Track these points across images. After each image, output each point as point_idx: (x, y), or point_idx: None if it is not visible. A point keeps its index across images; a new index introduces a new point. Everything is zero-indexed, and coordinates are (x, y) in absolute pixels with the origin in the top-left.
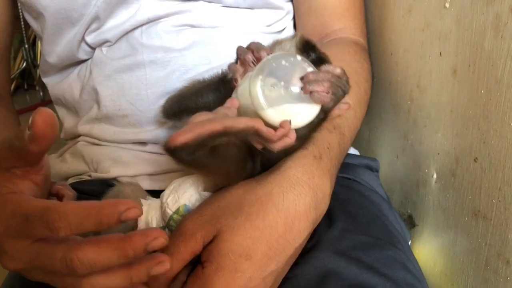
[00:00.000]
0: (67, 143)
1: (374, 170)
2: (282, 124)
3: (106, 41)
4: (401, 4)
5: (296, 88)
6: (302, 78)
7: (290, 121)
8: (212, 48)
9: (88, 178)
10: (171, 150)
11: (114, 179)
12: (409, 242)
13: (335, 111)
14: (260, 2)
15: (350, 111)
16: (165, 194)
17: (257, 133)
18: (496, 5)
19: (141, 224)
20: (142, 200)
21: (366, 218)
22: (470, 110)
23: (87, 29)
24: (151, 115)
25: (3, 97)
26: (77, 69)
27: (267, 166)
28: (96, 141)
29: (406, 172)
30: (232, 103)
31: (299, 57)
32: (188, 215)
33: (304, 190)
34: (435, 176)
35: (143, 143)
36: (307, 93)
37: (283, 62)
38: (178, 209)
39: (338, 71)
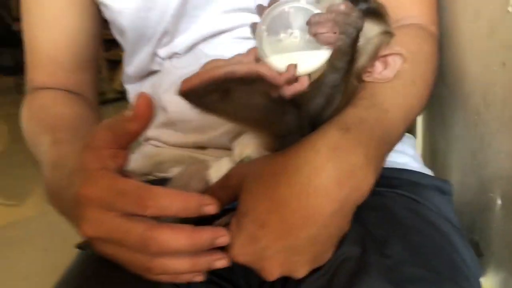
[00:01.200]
0: (141, 143)
1: (446, 193)
2: (287, 68)
3: (175, 54)
4: (467, 9)
5: (299, 33)
6: (308, 21)
7: (295, 65)
8: None
9: (153, 178)
10: (182, 94)
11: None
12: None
13: (387, 71)
14: None
15: (397, 86)
16: (234, 149)
17: (260, 78)
18: None
19: (214, 179)
20: (213, 160)
21: (429, 248)
22: None
23: (159, 43)
24: (211, 121)
25: (93, 107)
26: (151, 79)
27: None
28: (162, 145)
29: (474, 195)
30: (251, 51)
31: (303, 1)
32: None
33: (321, 163)
34: (499, 202)
35: (203, 147)
36: (313, 36)
37: (286, 9)
38: (242, 160)
39: (342, 8)
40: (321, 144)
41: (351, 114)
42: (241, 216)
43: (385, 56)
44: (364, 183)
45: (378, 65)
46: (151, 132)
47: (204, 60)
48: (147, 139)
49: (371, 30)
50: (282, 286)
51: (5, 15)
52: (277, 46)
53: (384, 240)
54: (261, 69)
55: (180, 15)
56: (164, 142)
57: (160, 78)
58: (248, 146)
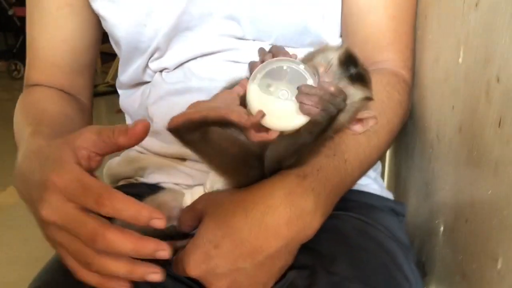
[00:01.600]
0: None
1: (399, 214)
2: (256, 114)
3: (165, 68)
4: (429, 55)
5: (287, 94)
6: (298, 88)
7: (263, 113)
8: None
9: (135, 181)
10: (169, 130)
11: (156, 184)
12: None
13: (358, 127)
14: (308, 40)
15: (361, 138)
16: (206, 183)
17: (228, 122)
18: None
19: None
20: (185, 190)
21: (372, 266)
22: (464, 169)
23: (150, 57)
24: None
25: (85, 109)
26: (141, 88)
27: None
28: (145, 151)
29: (425, 220)
30: (238, 89)
31: (302, 66)
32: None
33: (275, 204)
34: (441, 228)
35: (183, 158)
36: (298, 102)
37: (285, 67)
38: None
39: (331, 89)
40: (278, 187)
41: (311, 162)
42: (199, 236)
43: (362, 118)
44: (310, 226)
45: (353, 123)
46: None
47: (191, 78)
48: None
49: (355, 94)
50: None
51: (1, 0)
52: (262, 96)
53: (332, 259)
54: (231, 116)
55: (172, 35)
56: (147, 149)
57: (149, 89)
58: (218, 181)
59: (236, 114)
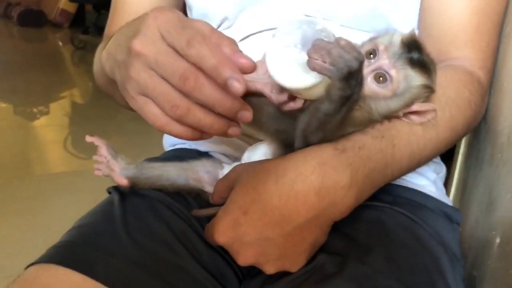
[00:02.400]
0: None
1: (454, 221)
2: (282, 93)
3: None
4: None
5: (298, 51)
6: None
7: (290, 93)
8: None
9: (188, 147)
10: None
11: (207, 152)
12: None
13: (415, 118)
14: (379, 26)
15: (416, 127)
16: (244, 154)
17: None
18: None
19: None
20: (224, 164)
21: (411, 266)
22: None
23: (218, 27)
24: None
25: None
26: None
27: None
28: None
29: (482, 231)
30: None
31: (320, 26)
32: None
33: (307, 172)
34: (497, 240)
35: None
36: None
37: (304, 27)
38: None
39: (342, 42)
40: (312, 156)
41: (355, 138)
42: (230, 202)
43: (421, 111)
44: (342, 202)
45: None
46: None
47: (256, 51)
48: None
49: (414, 79)
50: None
51: None
52: (279, 56)
53: (368, 249)
54: (263, 88)
55: (242, 6)
56: None
57: None
58: (255, 153)
59: (267, 88)
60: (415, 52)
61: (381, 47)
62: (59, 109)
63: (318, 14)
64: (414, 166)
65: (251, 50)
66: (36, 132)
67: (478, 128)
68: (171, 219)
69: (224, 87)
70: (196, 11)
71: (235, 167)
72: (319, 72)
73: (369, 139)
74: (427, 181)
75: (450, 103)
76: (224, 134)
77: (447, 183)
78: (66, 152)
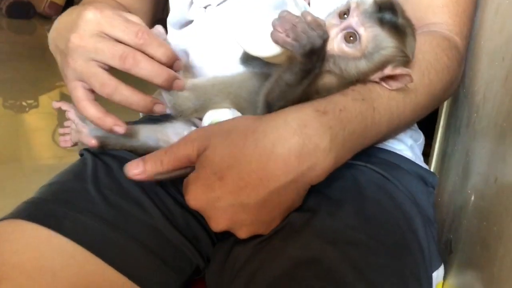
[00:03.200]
0: None
1: (428, 184)
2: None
3: (209, 5)
4: (491, 6)
5: (265, 18)
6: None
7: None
8: None
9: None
10: None
11: None
12: (436, 274)
13: (392, 83)
14: None
15: (396, 91)
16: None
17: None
18: None
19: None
20: (195, 127)
21: (383, 222)
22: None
23: None
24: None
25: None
26: (186, 28)
27: None
28: None
29: (457, 193)
30: None
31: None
32: (196, 128)
33: (288, 134)
34: (472, 198)
35: None
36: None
37: None
38: (211, 122)
39: (308, 18)
40: (293, 118)
41: (335, 100)
42: (202, 167)
43: (395, 75)
44: (322, 164)
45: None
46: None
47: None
48: None
49: (385, 41)
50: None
51: None
52: (248, 20)
53: (339, 204)
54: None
55: None
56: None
57: (191, 26)
58: (217, 112)
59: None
60: (387, 12)
61: (352, 6)
62: (49, 100)
63: None
64: (393, 130)
65: (224, 16)
66: (25, 123)
67: (457, 96)
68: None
69: (170, 66)
70: None
71: (196, 131)
72: (281, 46)
73: (350, 101)
74: (404, 146)
75: (430, 68)
76: (150, 111)
77: (428, 156)
78: (53, 141)
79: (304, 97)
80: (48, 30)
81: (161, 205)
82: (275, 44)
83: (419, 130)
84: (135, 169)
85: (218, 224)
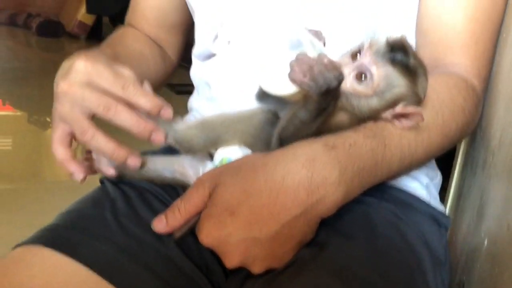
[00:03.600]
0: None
1: (441, 226)
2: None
3: (229, 41)
4: (508, 57)
5: (283, 59)
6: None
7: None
8: None
9: None
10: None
11: None
12: None
13: (403, 122)
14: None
15: (407, 132)
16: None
17: None
18: None
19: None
20: (208, 162)
21: (393, 261)
22: None
23: (219, 28)
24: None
25: (166, 60)
26: (210, 60)
27: None
28: (200, 117)
29: (472, 235)
30: None
31: (307, 38)
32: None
33: (296, 168)
34: (486, 243)
35: None
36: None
37: (290, 34)
38: (221, 160)
39: (325, 60)
40: (301, 152)
41: (345, 136)
42: (213, 205)
43: (406, 113)
44: (330, 198)
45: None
46: (196, 103)
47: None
48: (191, 109)
49: (396, 80)
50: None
51: None
52: (267, 60)
53: (349, 240)
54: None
55: (245, 6)
56: (201, 115)
57: (213, 58)
58: (227, 150)
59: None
60: (399, 53)
61: (365, 46)
62: None
63: (318, 27)
64: (404, 168)
65: (246, 50)
66: (48, 140)
67: (474, 136)
68: (161, 210)
69: (155, 116)
70: (198, 13)
71: (206, 173)
72: (299, 86)
73: (360, 137)
74: (419, 184)
75: (444, 108)
76: (124, 160)
77: (444, 195)
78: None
79: (317, 135)
80: (76, 49)
81: None
82: (292, 83)
83: (437, 168)
84: (160, 224)
85: (231, 260)
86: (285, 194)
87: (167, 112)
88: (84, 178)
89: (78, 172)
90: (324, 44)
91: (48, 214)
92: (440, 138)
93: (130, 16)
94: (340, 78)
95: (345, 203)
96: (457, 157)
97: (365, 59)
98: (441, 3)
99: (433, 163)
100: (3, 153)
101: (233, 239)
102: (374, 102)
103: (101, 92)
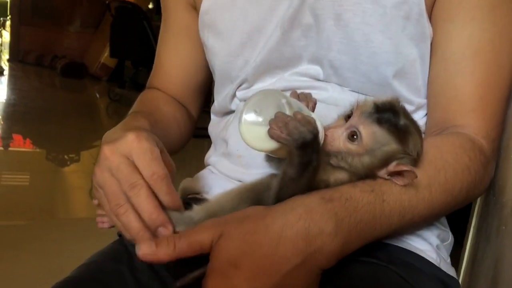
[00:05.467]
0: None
1: None
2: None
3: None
4: None
5: (261, 119)
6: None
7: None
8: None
9: (199, 197)
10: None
11: None
12: None
13: (399, 180)
14: (389, 91)
15: (406, 188)
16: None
17: None
18: None
19: None
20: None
21: None
22: None
23: (239, 87)
24: (258, 161)
25: (191, 119)
26: (227, 117)
27: None
28: (216, 171)
29: None
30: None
31: (283, 100)
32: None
33: (294, 219)
34: None
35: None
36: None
37: (271, 99)
38: None
39: (298, 117)
40: (298, 204)
41: (343, 190)
42: (216, 258)
43: (399, 171)
44: (328, 248)
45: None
46: (212, 158)
47: None
48: (207, 164)
49: (383, 138)
50: None
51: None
52: (248, 121)
53: None
54: None
55: (261, 70)
56: (218, 170)
57: (232, 115)
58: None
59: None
60: (388, 113)
61: (355, 107)
62: (89, 157)
63: (330, 79)
64: (406, 224)
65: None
66: (65, 178)
67: (488, 201)
68: (177, 265)
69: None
70: (219, 72)
71: (211, 220)
72: (277, 140)
73: (357, 191)
74: (429, 246)
75: (447, 167)
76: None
77: (459, 257)
78: (90, 199)
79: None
80: (97, 91)
81: None
82: (271, 139)
83: (448, 230)
84: (147, 250)
85: None
86: (284, 244)
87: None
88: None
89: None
90: (315, 105)
91: (57, 249)
92: (443, 196)
93: (154, 78)
94: (314, 132)
95: (345, 254)
96: (471, 221)
97: (353, 119)
98: (450, 67)
99: (445, 224)
100: (21, 189)
101: None
102: (367, 160)
103: (135, 170)
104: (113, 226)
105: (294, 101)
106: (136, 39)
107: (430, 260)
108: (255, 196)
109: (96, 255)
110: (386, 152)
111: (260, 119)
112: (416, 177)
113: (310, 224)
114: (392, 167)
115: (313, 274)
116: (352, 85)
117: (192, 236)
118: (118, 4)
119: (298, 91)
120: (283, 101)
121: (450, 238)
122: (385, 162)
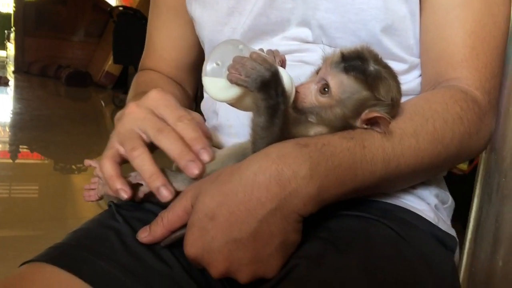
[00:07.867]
0: None
1: (448, 248)
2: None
3: None
4: None
5: (222, 69)
6: None
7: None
8: None
9: None
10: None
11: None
12: None
13: (376, 128)
14: (380, 50)
15: (393, 137)
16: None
17: None
18: None
19: None
20: None
21: (388, 279)
22: None
23: None
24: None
25: (188, 96)
26: None
27: None
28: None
29: (488, 260)
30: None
31: (241, 46)
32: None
33: (267, 164)
34: (500, 263)
35: None
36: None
37: (230, 47)
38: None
39: (254, 56)
40: (273, 150)
41: (319, 137)
42: (194, 213)
43: (372, 118)
44: (303, 192)
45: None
46: None
47: None
48: None
49: (351, 87)
50: None
51: None
52: (212, 72)
53: (345, 256)
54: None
55: (249, 36)
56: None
57: None
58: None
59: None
60: (355, 60)
61: (324, 60)
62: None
63: (319, 41)
64: (392, 172)
65: None
66: (73, 187)
67: (490, 163)
68: None
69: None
70: (208, 44)
71: (190, 186)
72: (237, 84)
73: (336, 138)
74: (426, 206)
75: (436, 116)
76: (156, 189)
77: (466, 226)
78: (99, 207)
79: None
80: (103, 99)
81: (180, 256)
82: (235, 86)
83: (448, 193)
84: (143, 233)
85: (216, 267)
86: (258, 189)
87: (206, 154)
88: (129, 198)
89: (124, 189)
90: (283, 62)
91: None
92: (432, 145)
93: (147, 59)
94: (272, 69)
95: (325, 200)
96: (475, 188)
97: (322, 71)
98: (439, 18)
99: (445, 187)
100: (30, 200)
101: (216, 243)
102: (338, 111)
103: (161, 120)
104: (100, 199)
105: (253, 48)
106: (138, 45)
107: (428, 219)
108: (241, 158)
109: (84, 224)
110: (357, 100)
111: (223, 70)
112: (390, 122)
113: (283, 167)
114: (364, 114)
115: (290, 220)
116: (342, 45)
117: (176, 206)
118: (120, 10)
119: (265, 50)
120: (240, 46)
121: (450, 201)
122: (358, 111)
